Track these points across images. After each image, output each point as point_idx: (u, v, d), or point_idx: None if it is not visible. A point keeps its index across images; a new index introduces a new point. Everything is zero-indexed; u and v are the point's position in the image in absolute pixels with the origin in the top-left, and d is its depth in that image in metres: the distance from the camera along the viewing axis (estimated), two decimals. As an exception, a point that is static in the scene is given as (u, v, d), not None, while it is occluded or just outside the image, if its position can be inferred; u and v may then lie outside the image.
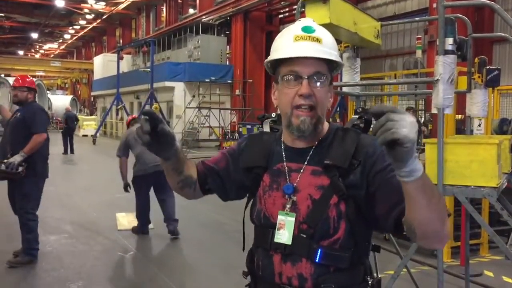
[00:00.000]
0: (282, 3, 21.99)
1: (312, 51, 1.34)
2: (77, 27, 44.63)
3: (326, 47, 1.37)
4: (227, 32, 24.64)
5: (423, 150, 3.58)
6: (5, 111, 5.58)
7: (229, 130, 21.25)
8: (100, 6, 36.44)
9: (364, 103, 9.97)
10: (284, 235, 1.37)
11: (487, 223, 4.87)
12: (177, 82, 21.74)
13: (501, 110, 10.13)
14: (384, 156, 1.30)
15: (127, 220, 6.72)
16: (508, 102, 10.89)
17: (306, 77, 1.35)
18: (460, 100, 5.56)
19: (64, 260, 5.33)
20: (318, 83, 1.36)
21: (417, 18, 8.27)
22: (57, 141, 16.08)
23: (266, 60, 1.44)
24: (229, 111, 22.06)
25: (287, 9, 23.13)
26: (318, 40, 1.36)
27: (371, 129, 1.23)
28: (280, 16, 24.09)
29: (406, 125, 1.01)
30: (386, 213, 1.29)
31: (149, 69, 20.80)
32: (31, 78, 5.44)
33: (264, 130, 1.64)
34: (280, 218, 1.39)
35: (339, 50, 4.12)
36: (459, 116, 7.00)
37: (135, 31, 39.31)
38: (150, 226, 6.51)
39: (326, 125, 1.45)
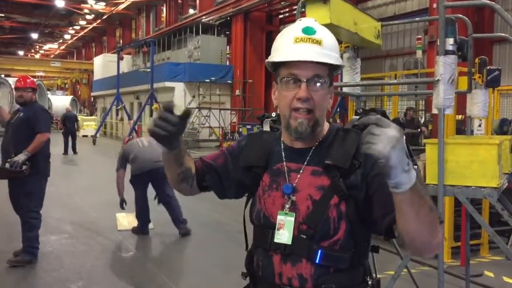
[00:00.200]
0: (282, 3, 21.98)
1: (311, 55, 1.33)
2: (77, 27, 44.65)
3: (327, 49, 1.36)
4: (227, 33, 24.64)
5: (423, 151, 3.58)
6: (4, 112, 5.61)
7: (229, 131, 21.26)
8: (100, 7, 36.45)
9: (364, 103, 9.98)
10: (284, 235, 1.37)
11: (488, 223, 4.87)
12: (177, 83, 21.73)
13: (502, 111, 10.14)
14: None
15: (127, 220, 6.72)
16: (508, 103, 10.89)
17: (304, 80, 1.34)
18: (461, 101, 5.55)
19: (64, 260, 5.33)
20: (317, 86, 1.35)
21: (417, 18, 8.27)
22: (57, 142, 16.07)
23: (266, 60, 1.44)
24: (229, 112, 22.06)
25: (287, 9, 23.13)
26: (318, 42, 1.35)
27: None
28: (280, 16, 24.10)
29: (383, 140, 1.03)
30: (381, 216, 1.29)
31: (149, 70, 20.80)
32: (32, 78, 5.50)
33: (264, 129, 1.64)
34: (280, 218, 1.39)
35: (340, 50, 4.12)
36: (460, 117, 7.01)
37: (135, 31, 39.32)
38: (150, 226, 6.52)
39: (326, 126, 1.45)
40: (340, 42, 4.00)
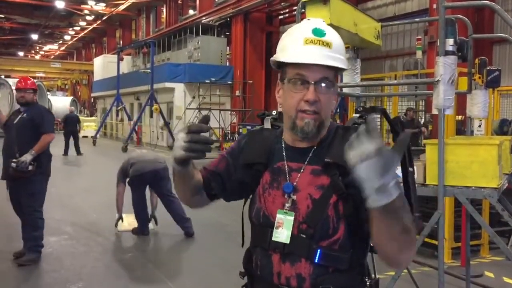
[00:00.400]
0: (282, 4, 21.98)
1: (322, 58, 1.33)
2: (77, 28, 44.65)
3: (336, 52, 1.36)
4: (227, 33, 24.64)
5: (423, 151, 3.57)
6: (1, 114, 5.66)
7: (229, 131, 21.25)
8: (100, 7, 36.45)
9: (365, 104, 9.96)
10: (282, 234, 1.36)
11: (488, 224, 4.87)
12: (177, 83, 21.73)
13: (502, 111, 10.13)
14: None
15: (128, 221, 6.71)
16: (508, 103, 10.89)
17: (313, 82, 1.34)
18: (461, 101, 5.55)
19: (64, 261, 5.33)
20: (324, 89, 1.36)
21: (417, 19, 8.28)
22: (57, 142, 16.08)
23: (272, 58, 1.43)
24: (229, 112, 22.06)
25: (287, 10, 23.13)
26: (328, 44, 1.35)
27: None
28: (280, 17, 24.09)
29: (356, 150, 1.06)
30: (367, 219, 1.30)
31: (149, 70, 20.80)
32: (32, 79, 5.56)
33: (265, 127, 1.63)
34: (279, 216, 1.38)
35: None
36: (460, 117, 7.01)
37: (135, 32, 39.33)
38: (150, 226, 6.52)
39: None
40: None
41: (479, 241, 5.83)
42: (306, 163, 1.41)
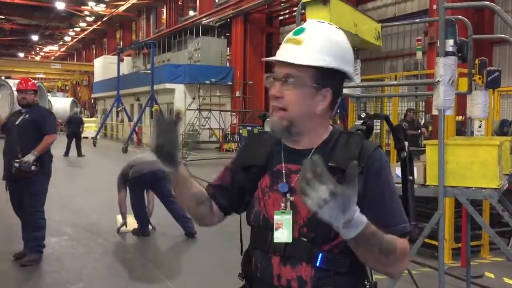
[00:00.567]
0: (282, 5, 22.02)
1: (284, 54, 1.36)
2: (78, 29, 44.70)
3: (308, 50, 1.35)
4: (227, 34, 24.67)
5: (424, 152, 3.57)
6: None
7: (229, 132, 21.26)
8: (101, 8, 36.50)
9: (365, 104, 9.96)
10: (283, 234, 1.36)
11: (488, 224, 4.87)
12: (177, 84, 21.75)
13: (502, 112, 10.12)
14: (384, 172, 1.37)
15: (128, 222, 6.72)
16: (508, 104, 10.88)
17: (278, 79, 1.38)
18: (461, 102, 5.55)
19: (64, 262, 5.33)
20: (289, 86, 1.36)
21: (417, 20, 8.28)
22: (58, 143, 16.10)
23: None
24: (229, 113, 22.07)
25: (287, 11, 23.15)
26: (298, 42, 1.36)
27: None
28: (280, 18, 24.12)
29: (312, 198, 1.09)
30: None
31: (149, 71, 20.83)
32: (33, 80, 5.61)
33: (265, 129, 1.64)
34: (277, 218, 1.38)
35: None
36: (460, 118, 7.01)
37: (136, 33, 39.36)
38: (150, 227, 6.53)
39: (329, 128, 1.45)
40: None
41: (480, 241, 5.83)
42: None
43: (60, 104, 32.12)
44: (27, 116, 5.13)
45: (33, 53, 59.62)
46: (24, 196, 5.07)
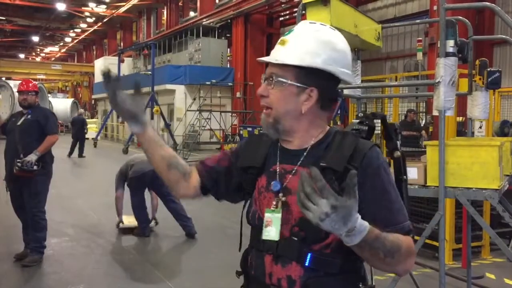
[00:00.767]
0: (282, 5, 22.03)
1: (271, 55, 1.41)
2: (78, 30, 44.73)
3: (291, 50, 1.38)
4: (228, 35, 24.68)
5: (424, 152, 3.57)
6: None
7: (230, 133, 21.26)
8: (101, 10, 36.52)
9: (365, 105, 9.97)
10: (271, 232, 1.37)
11: (489, 225, 4.86)
12: (178, 85, 21.76)
13: (502, 112, 10.13)
14: (382, 170, 1.36)
15: (128, 220, 6.72)
16: (509, 104, 10.89)
17: (264, 79, 1.43)
18: (461, 102, 5.56)
19: (65, 263, 5.33)
20: (272, 85, 1.40)
21: (417, 21, 8.27)
22: (59, 144, 16.08)
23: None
24: (230, 114, 22.07)
25: (287, 12, 23.17)
26: (283, 42, 1.40)
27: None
28: (281, 18, 24.13)
29: (314, 212, 1.09)
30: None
31: (150, 72, 20.82)
32: (34, 82, 5.63)
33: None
34: (267, 215, 1.39)
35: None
36: (460, 118, 7.01)
37: (136, 34, 39.37)
38: (152, 224, 6.55)
39: (326, 128, 1.45)
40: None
41: (480, 242, 5.82)
42: (298, 164, 1.41)
43: (61, 105, 32.11)
44: (29, 116, 5.16)
45: (33, 54, 59.66)
46: (25, 197, 5.09)
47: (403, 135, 8.48)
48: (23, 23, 40.84)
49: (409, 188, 1.66)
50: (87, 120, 31.91)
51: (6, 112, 16.01)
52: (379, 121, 1.71)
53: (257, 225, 1.44)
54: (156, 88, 20.39)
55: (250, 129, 16.28)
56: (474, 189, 3.18)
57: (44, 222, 5.20)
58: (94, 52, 49.23)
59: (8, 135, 5.21)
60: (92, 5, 35.53)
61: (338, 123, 14.28)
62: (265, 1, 20.42)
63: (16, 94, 5.55)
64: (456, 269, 5.19)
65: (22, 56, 56.17)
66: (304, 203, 1.09)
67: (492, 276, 5.12)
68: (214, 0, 25.81)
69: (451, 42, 3.19)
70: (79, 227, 6.92)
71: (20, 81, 5.72)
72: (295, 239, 1.34)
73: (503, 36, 4.52)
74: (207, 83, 20.53)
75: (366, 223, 1.17)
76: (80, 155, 17.09)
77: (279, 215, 1.37)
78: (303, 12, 3.20)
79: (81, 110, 21.43)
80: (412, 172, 3.32)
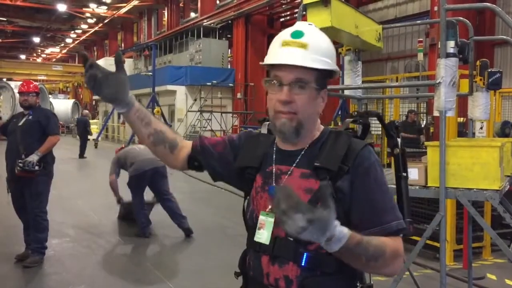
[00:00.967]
0: (283, 6, 22.03)
1: (293, 58, 1.34)
2: (79, 31, 44.76)
3: (313, 53, 1.36)
4: (229, 36, 24.68)
5: (425, 153, 3.57)
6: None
7: (231, 134, 21.27)
8: (102, 10, 36.54)
9: (366, 106, 9.97)
10: (263, 235, 1.39)
11: (490, 226, 4.86)
12: (178, 86, 21.77)
13: (503, 113, 10.12)
14: (373, 170, 1.36)
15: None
16: (510, 105, 10.87)
17: (286, 83, 1.36)
18: (462, 103, 5.55)
19: (66, 263, 5.34)
20: (299, 90, 1.37)
21: (418, 21, 8.25)
22: (60, 145, 16.06)
23: (260, 63, 1.47)
24: (230, 115, 22.08)
25: (288, 13, 23.18)
26: (303, 45, 1.36)
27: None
28: (282, 19, 24.13)
29: (290, 226, 1.10)
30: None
31: (150, 73, 20.82)
32: (35, 83, 5.64)
33: (262, 131, 1.65)
34: (261, 218, 1.41)
35: (341, 53, 4.13)
36: (461, 119, 7.00)
37: (137, 35, 39.39)
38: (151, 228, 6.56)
39: (320, 128, 1.47)
40: (341, 45, 4.00)
41: (481, 243, 5.82)
42: (294, 165, 1.42)
43: (62, 106, 32.15)
44: (30, 117, 5.18)
45: (34, 55, 59.71)
46: (27, 197, 5.10)
47: (402, 137, 8.44)
48: (24, 24, 40.87)
49: (409, 189, 1.66)
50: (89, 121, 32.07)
51: (7, 113, 16.04)
52: (379, 121, 1.71)
53: (254, 225, 1.45)
54: (157, 89, 20.40)
55: (251, 129, 16.26)
56: (475, 189, 3.18)
57: (46, 222, 5.21)
58: (95, 53, 49.23)
59: (9, 136, 5.22)
60: (93, 6, 35.56)
61: (339, 123, 14.28)
62: (266, 2, 20.42)
63: (17, 95, 5.55)
64: (457, 270, 5.18)
65: (23, 57, 56.22)
66: (282, 218, 1.10)
67: (493, 277, 5.12)
68: (214, 1, 25.82)
69: (451, 43, 3.19)
70: (79, 227, 6.93)
71: (21, 82, 5.73)
72: (291, 239, 1.35)
73: (504, 36, 4.51)
74: (208, 84, 20.54)
75: (346, 230, 1.18)
76: (81, 156, 17.10)
77: (272, 220, 1.38)
78: (304, 13, 3.20)
79: (85, 111, 21.47)
80: (413, 173, 3.32)
